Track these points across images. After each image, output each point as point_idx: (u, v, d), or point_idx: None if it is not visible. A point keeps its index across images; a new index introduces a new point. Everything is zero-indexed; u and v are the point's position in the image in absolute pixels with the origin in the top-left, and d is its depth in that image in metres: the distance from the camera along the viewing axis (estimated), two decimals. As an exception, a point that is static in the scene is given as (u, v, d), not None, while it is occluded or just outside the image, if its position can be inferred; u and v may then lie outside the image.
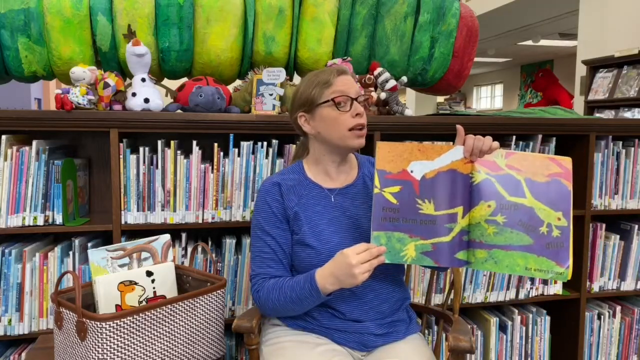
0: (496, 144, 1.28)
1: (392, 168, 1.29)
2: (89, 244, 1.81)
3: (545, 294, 2.15)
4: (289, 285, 1.33)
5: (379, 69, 2.05)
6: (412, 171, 1.29)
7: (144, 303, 1.44)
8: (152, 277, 1.47)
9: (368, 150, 1.90)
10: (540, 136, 2.06)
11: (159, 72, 2.09)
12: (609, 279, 2.20)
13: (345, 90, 1.38)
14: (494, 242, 1.28)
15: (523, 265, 1.27)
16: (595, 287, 2.18)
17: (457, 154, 1.29)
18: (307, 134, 1.46)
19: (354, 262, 1.22)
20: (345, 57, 2.06)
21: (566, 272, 1.25)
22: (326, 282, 1.26)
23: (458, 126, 1.32)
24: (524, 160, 1.28)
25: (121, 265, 1.46)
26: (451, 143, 2.01)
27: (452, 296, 1.64)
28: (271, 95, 1.93)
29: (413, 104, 8.73)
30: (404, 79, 2.12)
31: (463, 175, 1.29)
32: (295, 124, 1.46)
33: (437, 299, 2.04)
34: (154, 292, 1.48)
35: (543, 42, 8.91)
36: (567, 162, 1.27)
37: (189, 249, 1.86)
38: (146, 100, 1.78)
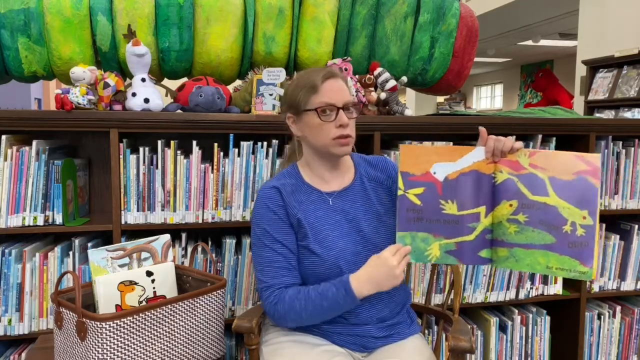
0: (519, 144, 1.28)
1: (416, 170, 1.32)
2: (89, 244, 1.81)
3: (545, 294, 2.15)
4: (316, 294, 1.30)
5: (379, 69, 2.05)
6: (434, 173, 1.31)
7: (144, 303, 1.44)
8: (152, 277, 1.47)
9: (369, 151, 1.90)
10: (540, 136, 2.06)
11: (159, 72, 2.09)
12: (609, 279, 2.20)
13: (332, 97, 1.33)
14: (515, 240, 1.30)
15: (544, 264, 1.28)
16: (595, 287, 2.18)
17: (479, 155, 1.31)
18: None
19: (394, 264, 1.25)
20: (345, 57, 2.06)
21: (590, 271, 1.25)
22: (363, 289, 1.27)
23: (480, 128, 1.33)
24: (549, 159, 1.27)
25: (121, 265, 1.46)
26: (451, 143, 2.01)
27: (452, 296, 1.64)
28: (271, 95, 1.93)
29: (413, 104, 8.73)
30: (404, 79, 2.12)
31: (485, 175, 1.30)
32: (286, 123, 1.44)
33: (437, 299, 2.04)
34: (154, 292, 1.48)
35: (543, 42, 8.91)
36: (594, 158, 1.24)
37: (189, 249, 1.86)
38: (146, 100, 1.78)
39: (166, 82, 2.10)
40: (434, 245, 1.32)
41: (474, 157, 1.31)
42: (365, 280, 1.27)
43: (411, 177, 1.32)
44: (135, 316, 1.29)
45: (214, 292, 1.47)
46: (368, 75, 2.03)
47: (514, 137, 1.34)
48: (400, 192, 1.32)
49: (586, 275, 1.25)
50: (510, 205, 1.29)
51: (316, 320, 1.35)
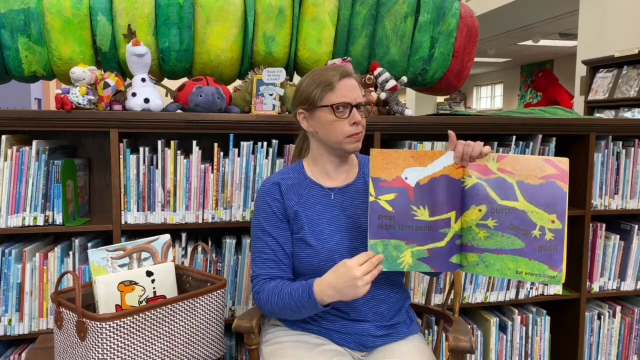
0: (487, 148, 1.27)
1: (387, 175, 1.29)
2: (89, 244, 1.81)
3: (545, 294, 2.15)
4: (287, 292, 1.32)
5: (379, 69, 2.05)
6: (406, 178, 1.29)
7: (144, 303, 1.44)
8: (152, 277, 1.47)
9: (367, 152, 1.90)
10: (540, 136, 2.06)
11: (159, 72, 2.09)
12: (609, 279, 2.20)
13: (347, 96, 1.36)
14: (485, 245, 1.29)
15: (514, 269, 1.27)
16: (595, 287, 2.18)
17: (448, 160, 1.29)
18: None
19: (358, 275, 1.20)
20: (345, 57, 2.06)
21: (559, 275, 1.24)
22: (324, 295, 1.25)
23: (450, 132, 1.32)
24: (517, 163, 1.26)
25: (121, 265, 1.46)
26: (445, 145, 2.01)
27: (452, 296, 1.64)
28: (271, 95, 1.93)
29: (413, 104, 8.73)
30: (404, 79, 2.12)
31: (455, 180, 1.29)
32: (295, 118, 1.46)
33: (437, 299, 2.04)
34: (154, 292, 1.48)
35: (543, 42, 8.91)
36: (563, 163, 1.23)
37: (189, 249, 1.86)
38: (146, 100, 1.78)
39: (166, 82, 2.10)
40: (407, 253, 1.29)
41: (444, 161, 1.29)
42: (327, 287, 1.24)
43: (382, 183, 1.29)
44: (135, 316, 1.29)
45: (214, 292, 1.47)
46: (368, 75, 2.03)
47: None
48: (371, 199, 1.28)
49: (555, 279, 1.24)
50: (480, 210, 1.28)
51: (290, 317, 1.37)
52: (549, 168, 1.24)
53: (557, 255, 1.24)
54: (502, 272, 1.28)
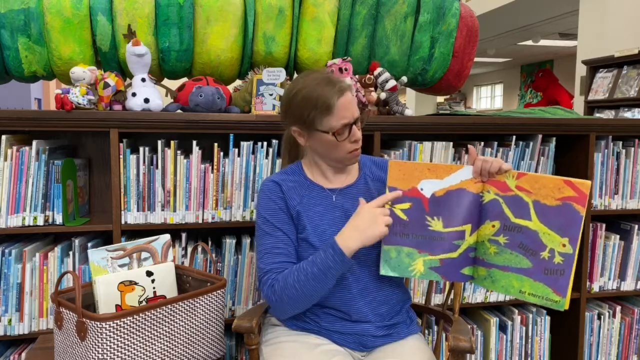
0: (507, 165, 1.28)
1: (403, 186, 1.32)
2: (89, 244, 1.81)
3: (545, 294, 2.14)
4: (307, 262, 1.29)
5: (379, 69, 2.05)
6: (422, 189, 1.31)
7: (144, 303, 1.44)
8: (152, 277, 1.47)
9: (368, 151, 1.90)
10: (540, 136, 2.06)
11: (159, 72, 2.09)
12: (609, 279, 2.20)
13: (346, 116, 1.33)
14: (494, 261, 1.30)
15: (517, 288, 1.28)
16: (595, 287, 2.18)
17: (466, 174, 1.31)
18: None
19: (378, 212, 1.27)
20: (345, 57, 2.06)
21: (563, 301, 1.22)
22: (348, 241, 1.26)
23: (470, 147, 1.34)
24: (536, 182, 1.25)
25: (121, 265, 1.46)
26: (451, 143, 2.01)
27: (452, 296, 1.64)
28: (271, 95, 1.93)
29: (413, 104, 8.74)
30: (404, 79, 2.12)
31: (473, 194, 1.31)
32: (287, 131, 1.44)
33: (437, 299, 2.04)
34: (154, 292, 1.48)
35: (543, 42, 8.91)
36: (584, 186, 1.19)
37: (189, 249, 1.86)
38: (146, 100, 1.78)
39: (166, 82, 2.10)
40: (419, 261, 1.33)
41: (461, 175, 1.31)
42: (350, 230, 1.27)
43: None
44: (135, 316, 1.29)
45: (214, 292, 1.47)
46: (368, 75, 2.03)
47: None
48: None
49: (558, 304, 1.23)
50: (493, 226, 1.30)
51: (312, 294, 1.29)
52: (568, 190, 1.21)
53: (563, 280, 1.22)
54: (506, 289, 1.29)
